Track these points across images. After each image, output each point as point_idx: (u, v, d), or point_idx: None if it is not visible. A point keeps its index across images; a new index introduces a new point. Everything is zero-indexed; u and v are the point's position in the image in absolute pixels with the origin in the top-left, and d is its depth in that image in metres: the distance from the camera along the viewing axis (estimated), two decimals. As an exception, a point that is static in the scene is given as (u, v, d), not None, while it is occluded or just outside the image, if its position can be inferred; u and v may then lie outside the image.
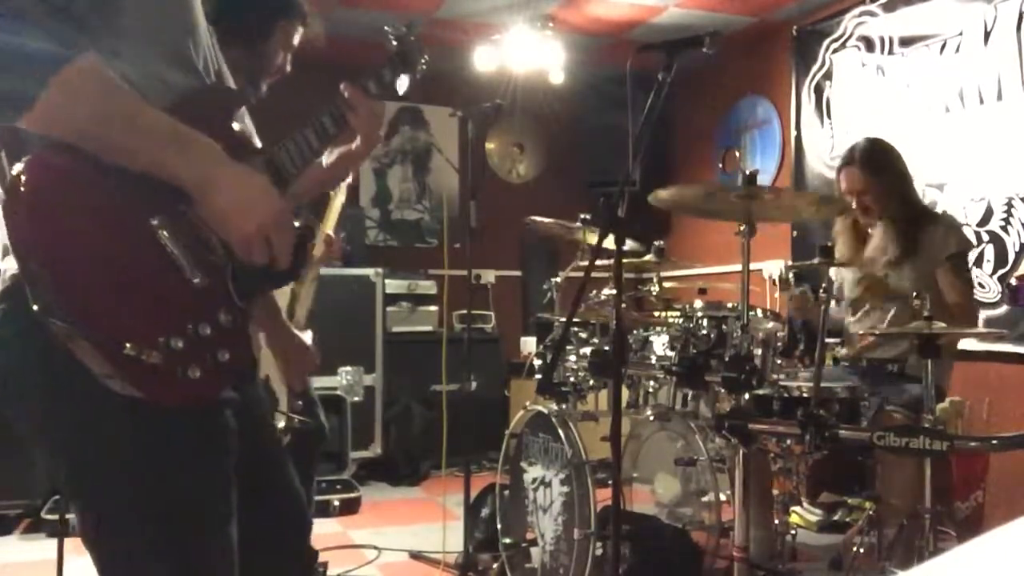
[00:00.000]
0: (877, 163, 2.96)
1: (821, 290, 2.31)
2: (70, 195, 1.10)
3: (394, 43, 1.54)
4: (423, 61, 1.57)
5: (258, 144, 1.42)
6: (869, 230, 3.06)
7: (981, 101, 3.75)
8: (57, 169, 1.10)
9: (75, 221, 1.09)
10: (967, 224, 3.76)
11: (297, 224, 1.31)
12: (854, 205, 2.96)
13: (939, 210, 3.82)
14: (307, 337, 2.13)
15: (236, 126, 1.29)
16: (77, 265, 1.08)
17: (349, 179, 2.40)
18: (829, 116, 4.65)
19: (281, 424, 2.21)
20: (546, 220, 3.37)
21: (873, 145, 3.03)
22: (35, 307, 1.07)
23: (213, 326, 1.17)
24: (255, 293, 1.28)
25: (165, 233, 1.14)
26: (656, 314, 3.03)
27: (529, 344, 5.42)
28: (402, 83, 1.56)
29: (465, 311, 3.35)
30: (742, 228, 2.20)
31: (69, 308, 1.07)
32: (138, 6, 1.18)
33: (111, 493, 1.16)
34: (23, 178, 1.07)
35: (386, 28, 1.55)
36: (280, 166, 1.33)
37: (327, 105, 1.42)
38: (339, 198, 2.68)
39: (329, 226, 2.63)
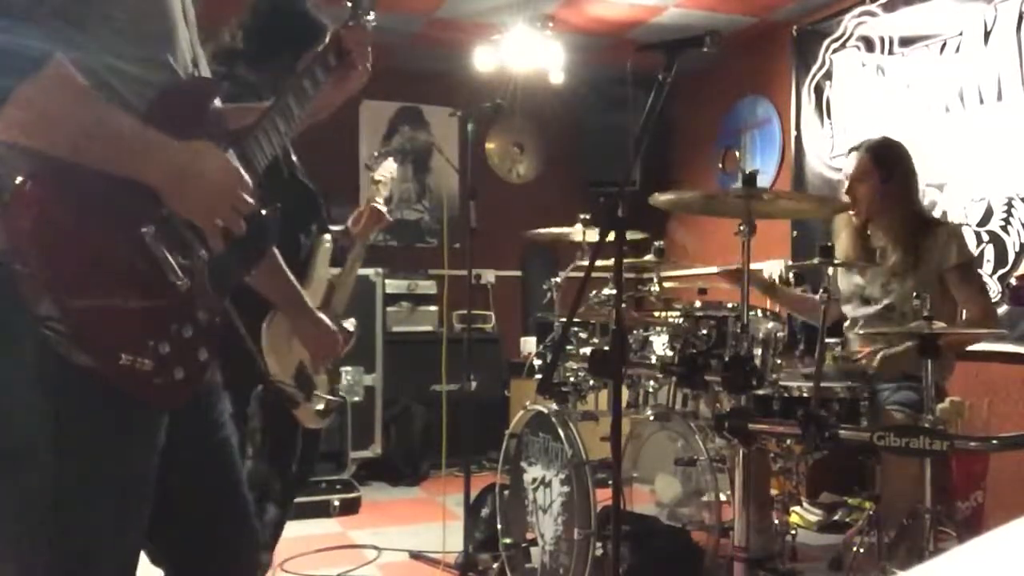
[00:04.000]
0: (885, 157, 2.95)
1: (822, 290, 2.31)
2: (69, 208, 1.11)
3: None
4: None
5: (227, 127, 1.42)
6: (869, 232, 3.05)
7: (981, 101, 3.75)
8: (55, 182, 1.10)
9: (74, 235, 1.10)
10: (967, 224, 3.76)
11: (254, 204, 1.30)
12: (845, 193, 2.97)
13: (940, 214, 3.84)
14: (331, 322, 2.17)
15: (213, 113, 1.31)
16: (76, 279, 1.09)
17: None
18: (829, 116, 4.65)
19: (320, 407, 2.23)
20: (544, 231, 3.40)
21: (886, 141, 3.04)
22: (36, 315, 1.07)
23: (194, 326, 1.20)
24: (229, 283, 1.30)
25: (154, 240, 1.15)
26: (656, 314, 3.03)
27: (529, 344, 5.42)
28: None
29: (465, 311, 3.35)
30: (742, 228, 2.20)
31: (68, 322, 1.08)
32: (111, 12, 1.17)
33: (23, 460, 1.13)
34: (25, 191, 1.07)
35: None
36: (251, 156, 1.34)
37: (290, 86, 1.44)
38: (389, 172, 2.73)
39: (380, 197, 2.65)
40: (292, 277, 2.03)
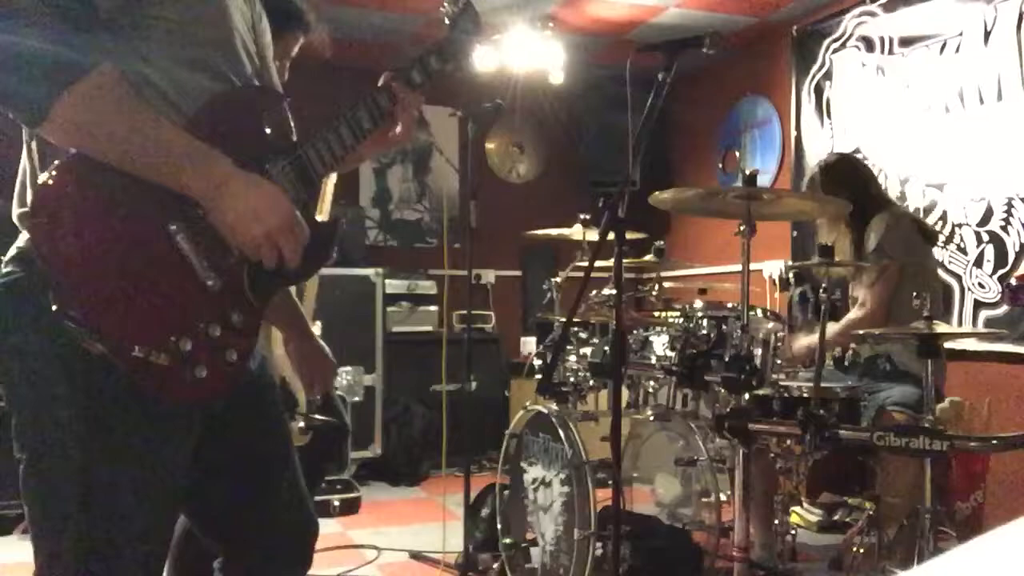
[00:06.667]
0: (832, 186, 2.98)
1: (821, 290, 2.31)
2: (92, 202, 1.12)
3: (447, 22, 1.48)
4: (477, 42, 1.50)
5: (293, 138, 1.41)
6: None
7: (981, 101, 3.75)
8: (81, 177, 1.12)
9: (95, 228, 1.11)
10: (967, 224, 3.76)
11: (322, 219, 1.32)
12: None
13: (940, 214, 3.84)
14: (325, 346, 2.13)
15: (267, 128, 1.29)
16: (95, 271, 1.11)
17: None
18: (829, 116, 4.65)
19: (301, 424, 2.21)
20: (540, 232, 3.41)
21: (825, 170, 3.06)
22: (54, 307, 1.09)
23: (224, 326, 1.20)
24: (272, 292, 1.30)
25: (182, 237, 1.16)
26: (656, 314, 3.03)
27: (529, 344, 5.42)
28: (452, 67, 1.51)
29: (465, 311, 3.35)
30: (742, 228, 2.20)
31: (84, 313, 1.09)
32: (167, 16, 1.19)
33: (51, 448, 1.17)
34: (49, 184, 1.10)
35: (442, 8, 1.48)
36: (307, 166, 1.32)
37: (363, 98, 1.39)
38: (331, 182, 2.72)
39: (324, 211, 2.68)
40: (296, 299, 1.99)
